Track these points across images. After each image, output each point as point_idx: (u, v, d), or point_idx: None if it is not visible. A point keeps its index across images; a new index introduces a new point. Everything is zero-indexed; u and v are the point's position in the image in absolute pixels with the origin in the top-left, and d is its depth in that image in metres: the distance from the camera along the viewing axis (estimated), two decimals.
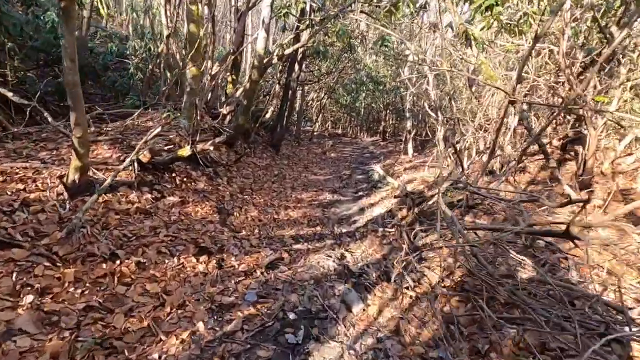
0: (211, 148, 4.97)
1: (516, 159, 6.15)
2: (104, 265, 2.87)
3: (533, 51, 5.27)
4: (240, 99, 7.06)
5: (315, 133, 17.96)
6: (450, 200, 5.40)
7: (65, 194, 3.30)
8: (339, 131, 26.17)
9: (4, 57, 7.53)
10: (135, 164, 4.06)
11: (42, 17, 9.27)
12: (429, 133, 13.03)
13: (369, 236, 5.49)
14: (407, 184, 8.36)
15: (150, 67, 8.20)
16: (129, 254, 3.12)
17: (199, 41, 5.28)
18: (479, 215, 5.23)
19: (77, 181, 3.41)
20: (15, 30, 7.40)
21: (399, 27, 10.74)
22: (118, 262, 2.96)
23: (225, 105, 7.32)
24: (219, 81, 7.99)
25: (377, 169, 9.01)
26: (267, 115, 10.52)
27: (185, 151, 4.48)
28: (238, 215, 4.89)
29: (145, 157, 4.14)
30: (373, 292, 3.55)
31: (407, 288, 3.52)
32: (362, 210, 7.09)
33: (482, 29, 4.92)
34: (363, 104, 22.93)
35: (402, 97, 16.58)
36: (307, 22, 7.19)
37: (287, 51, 6.83)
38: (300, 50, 9.09)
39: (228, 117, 7.42)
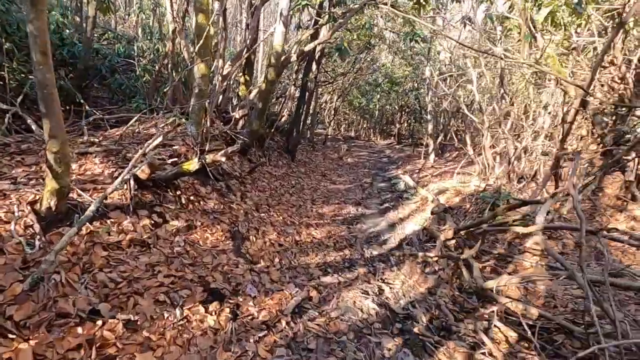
0: (223, 159, 4.18)
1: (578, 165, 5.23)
2: (80, 330, 2.08)
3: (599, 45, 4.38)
4: (254, 102, 6.28)
5: (328, 136, 17.14)
6: (504, 220, 4.52)
7: (37, 225, 2.53)
8: (352, 134, 25.32)
9: (1, 59, 6.83)
10: (131, 182, 3.29)
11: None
12: (453, 137, 12.12)
13: (407, 262, 4.64)
14: (439, 195, 7.49)
15: (157, 67, 7.49)
16: (116, 309, 2.33)
17: (208, 34, 4.51)
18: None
19: (53, 208, 2.64)
20: (13, 30, 6.76)
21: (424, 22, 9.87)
22: (100, 322, 2.17)
23: (237, 109, 6.55)
24: (231, 82, 7.23)
25: (406, 179, 8.13)
26: (283, 119, 9.74)
27: (192, 164, 3.71)
28: (255, 239, 4.09)
29: (143, 172, 3.37)
30: (436, 356, 2.69)
31: (483, 353, 2.66)
32: (392, 227, 6.23)
33: (547, 16, 4.04)
34: (377, 106, 22.05)
35: (420, 99, 15.66)
36: (327, 17, 6.39)
37: (307, 48, 6.02)
38: (319, 47, 8.29)
39: (241, 122, 6.65)
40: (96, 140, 4.03)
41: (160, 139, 3.37)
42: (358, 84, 18.47)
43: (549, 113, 6.29)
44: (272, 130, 7.75)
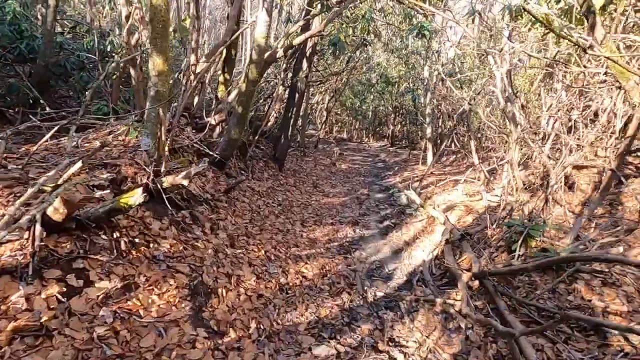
0: (185, 182, 3.13)
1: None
2: None
3: None
4: (233, 105, 5.20)
5: (320, 139, 16.10)
6: (543, 247, 3.55)
7: None
8: (344, 135, 24.32)
9: None
10: (36, 228, 2.21)
11: (2, 8, 7.50)
12: (455, 141, 11.25)
13: (422, 310, 3.64)
14: (447, 211, 6.53)
15: (121, 64, 6.34)
16: None
17: (166, 18, 3.42)
18: (592, 287, 3.35)
19: None
20: None
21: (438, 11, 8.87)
22: None
23: (214, 114, 5.45)
24: (208, 82, 6.12)
25: (412, 195, 7.14)
26: (269, 123, 8.66)
27: (135, 196, 2.64)
28: (225, 292, 3.02)
29: (57, 212, 2.29)
30: None
31: None
32: (397, 254, 5.23)
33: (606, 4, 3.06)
34: (370, 107, 21.08)
35: (417, 100, 14.73)
36: (320, 6, 5.34)
37: (297, 40, 4.97)
38: (311, 42, 7.23)
39: (218, 129, 5.56)
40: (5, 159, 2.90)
41: (79, 165, 2.28)
42: (351, 83, 17.47)
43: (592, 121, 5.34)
44: (257, 136, 6.67)
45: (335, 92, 14.75)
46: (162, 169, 3.29)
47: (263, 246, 4.13)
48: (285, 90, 8.13)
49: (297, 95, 7.51)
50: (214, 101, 6.38)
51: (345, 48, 6.11)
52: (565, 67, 5.26)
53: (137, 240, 2.86)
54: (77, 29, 10.67)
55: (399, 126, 22.16)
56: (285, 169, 8.13)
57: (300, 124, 14.16)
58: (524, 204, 4.52)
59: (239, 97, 5.10)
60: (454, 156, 15.08)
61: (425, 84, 12.21)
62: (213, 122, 5.43)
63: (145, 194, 2.66)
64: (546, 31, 5.21)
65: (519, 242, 3.97)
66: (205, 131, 5.27)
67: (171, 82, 5.11)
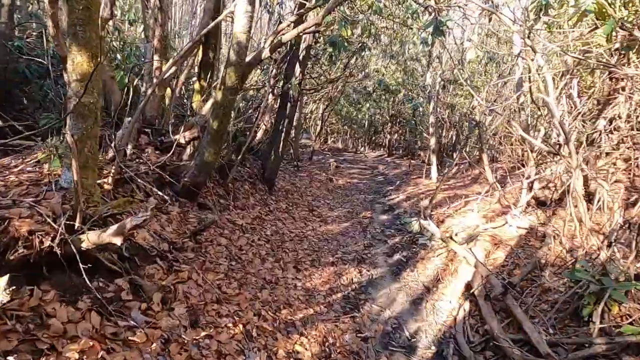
0: (117, 240, 1.99)
1: None
2: None
3: None
4: (208, 119, 4.03)
5: (314, 150, 14.98)
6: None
7: None
8: (339, 145, 23.24)
9: None
10: None
11: None
12: (465, 155, 10.21)
13: None
14: (469, 242, 5.40)
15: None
16: None
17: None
18: None
19: None
20: None
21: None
22: None
23: (183, 130, 4.27)
24: (180, 90, 4.95)
25: (429, 227, 5.98)
26: (258, 136, 7.49)
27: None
28: None
29: None
30: None
31: None
32: (416, 305, 4.06)
33: None
34: (367, 115, 20.07)
35: (418, 109, 13.72)
36: None
37: (287, 37, 3.85)
38: (305, 43, 6.12)
39: (189, 149, 4.37)
40: None
41: None
42: (347, 92, 16.44)
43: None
44: (241, 155, 5.49)
45: (331, 100, 13.68)
46: (77, 223, 2.10)
47: (242, 316, 2.92)
48: (275, 99, 6.99)
49: (289, 104, 6.37)
50: (188, 114, 5.21)
51: (345, 48, 5.01)
52: (618, 68, 4.20)
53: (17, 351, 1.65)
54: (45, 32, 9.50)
55: (396, 135, 21.15)
56: (276, 190, 6.95)
57: (293, 136, 13.04)
58: (596, 250, 3.38)
59: (214, 109, 3.93)
60: (456, 167, 14.07)
61: (427, 91, 11.19)
62: (182, 141, 4.25)
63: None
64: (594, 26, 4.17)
65: (595, 306, 2.83)
66: (172, 152, 4.09)
67: (122, 89, 3.93)
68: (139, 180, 3.50)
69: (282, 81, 6.55)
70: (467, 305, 3.86)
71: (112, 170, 3.16)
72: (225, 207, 4.70)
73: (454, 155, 14.82)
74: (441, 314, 3.86)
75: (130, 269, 2.55)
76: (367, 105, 18.98)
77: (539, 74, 3.92)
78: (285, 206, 6.35)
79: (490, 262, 4.62)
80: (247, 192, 5.63)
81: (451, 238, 5.64)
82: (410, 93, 13.27)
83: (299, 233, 5.42)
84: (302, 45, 6.19)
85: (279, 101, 6.83)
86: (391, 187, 10.84)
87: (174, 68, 4.35)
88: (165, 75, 3.86)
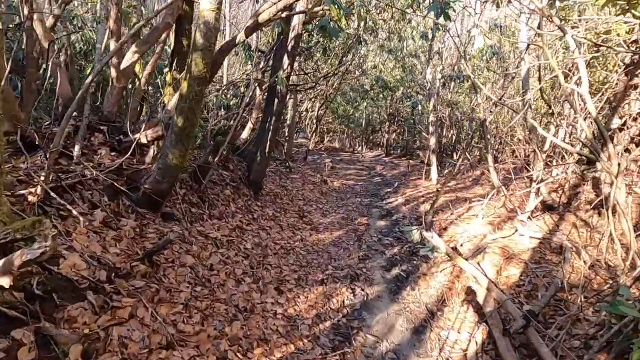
0: (4, 284, 1.35)
1: None
2: None
3: None
4: (173, 115, 3.38)
5: (309, 150, 14.33)
6: None
7: None
8: (336, 144, 22.60)
9: None
10: None
11: None
12: (467, 155, 9.59)
13: None
14: (476, 254, 4.77)
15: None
16: None
17: None
18: None
19: None
20: None
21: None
22: None
23: (144, 128, 3.61)
24: (146, 82, 4.29)
25: (433, 239, 5.34)
26: (244, 135, 6.83)
27: None
28: None
29: None
30: None
31: None
32: (418, 335, 3.43)
33: None
34: (364, 114, 19.43)
35: (417, 107, 13.07)
36: None
37: (264, 16, 3.20)
38: (294, 32, 5.47)
39: (153, 150, 3.72)
40: None
41: None
42: (343, 89, 15.80)
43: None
44: (219, 156, 4.83)
45: (326, 98, 13.02)
46: None
47: None
48: (262, 94, 6.34)
49: (276, 100, 5.72)
50: (160, 110, 4.55)
51: (337, 35, 4.35)
52: None
53: None
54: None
55: (394, 135, 20.51)
56: (263, 194, 6.30)
57: (287, 134, 12.38)
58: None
59: (179, 104, 3.28)
60: (455, 168, 13.44)
61: (427, 88, 10.55)
62: (144, 140, 3.59)
63: None
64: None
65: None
66: (132, 153, 3.43)
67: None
68: (82, 188, 2.84)
69: (268, 73, 5.90)
70: (479, 337, 3.23)
71: (42, 177, 2.51)
72: (198, 217, 4.05)
73: (454, 156, 14.23)
74: (448, 348, 3.22)
75: (41, 312, 1.89)
76: (365, 103, 18.35)
77: (562, 61, 3.28)
78: (272, 212, 5.70)
79: (503, 280, 3.99)
80: (227, 198, 4.98)
81: (456, 250, 5.01)
82: (409, 90, 12.62)
83: (286, 244, 4.77)
84: (291, 35, 5.54)
85: (265, 97, 6.18)
86: (389, 190, 10.21)
87: (135, 56, 3.69)
88: (108, 59, 3.20)
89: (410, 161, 14.95)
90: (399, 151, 20.37)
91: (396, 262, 5.05)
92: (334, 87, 12.50)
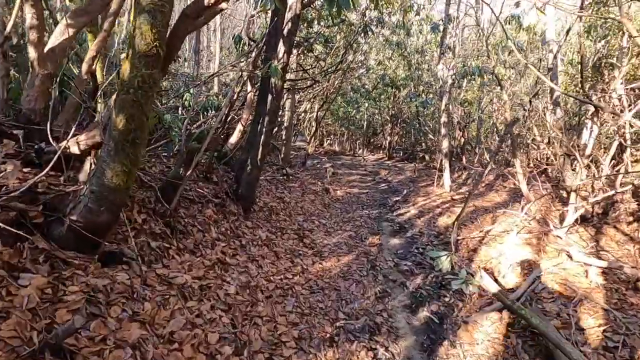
0: None
1: None
2: None
3: None
4: (111, 112, 2.25)
5: (309, 154, 13.22)
6: None
7: None
8: (336, 147, 21.49)
9: None
10: None
11: None
12: (481, 161, 8.53)
13: None
14: (528, 292, 3.65)
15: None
16: None
17: None
18: None
19: None
20: None
21: None
22: None
23: (73, 133, 2.49)
24: (87, 70, 3.16)
25: (484, 282, 4.17)
26: (232, 140, 5.71)
27: None
28: None
29: None
30: None
31: None
32: None
33: None
34: (365, 116, 18.35)
35: (426, 106, 11.99)
36: None
37: None
38: (291, 12, 4.37)
39: (89, 163, 2.60)
40: None
41: None
42: (344, 89, 14.72)
43: None
44: (194, 167, 3.71)
45: (326, 98, 11.92)
46: None
47: None
48: (254, 91, 5.24)
49: (270, 97, 4.61)
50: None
51: (348, 4, 3.25)
52: None
53: None
54: None
55: (396, 137, 19.42)
56: (255, 210, 5.17)
57: (284, 138, 11.28)
58: None
59: (118, 95, 2.16)
60: (466, 172, 12.39)
61: (439, 86, 9.47)
62: (76, 150, 2.47)
63: None
64: None
65: None
66: (54, 168, 2.31)
67: None
68: None
69: (262, 66, 4.79)
70: None
71: None
72: (160, 254, 2.92)
73: (463, 159, 13.16)
74: None
75: None
76: (366, 104, 17.29)
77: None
78: (266, 235, 4.57)
79: (582, 339, 2.88)
80: (206, 222, 3.85)
81: (498, 285, 3.89)
82: (416, 89, 11.53)
83: (282, 281, 3.64)
84: (288, 16, 4.43)
85: (257, 94, 5.08)
86: (398, 198, 9.11)
87: (69, 31, 2.58)
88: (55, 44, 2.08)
89: (417, 165, 13.87)
90: (401, 154, 19.31)
91: (422, 299, 3.94)
92: (335, 85, 11.40)
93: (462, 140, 13.53)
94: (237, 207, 4.76)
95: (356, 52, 10.60)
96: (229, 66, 4.54)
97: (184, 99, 9.60)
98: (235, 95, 4.75)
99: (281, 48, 4.54)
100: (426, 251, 5.24)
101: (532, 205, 6.54)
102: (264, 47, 5.00)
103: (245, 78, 5.04)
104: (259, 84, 5.03)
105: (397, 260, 5.11)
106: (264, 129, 4.68)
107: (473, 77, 9.31)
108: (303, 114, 14.85)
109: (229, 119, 5.67)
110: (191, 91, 9.75)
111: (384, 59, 11.08)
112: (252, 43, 5.63)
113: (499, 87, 9.86)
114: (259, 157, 4.75)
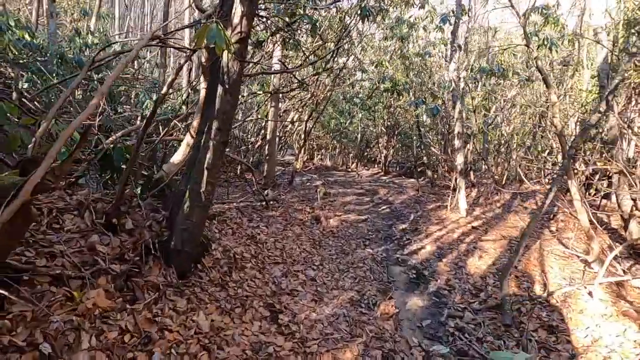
0: None
1: None
2: None
3: None
4: None
5: (296, 171, 11.33)
6: None
7: None
8: (328, 162, 19.64)
9: None
10: None
11: None
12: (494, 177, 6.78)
13: None
14: None
15: None
16: None
17: None
18: None
19: None
20: None
21: None
22: None
23: None
24: None
25: None
26: (177, 158, 3.80)
27: None
28: None
29: None
30: None
31: None
32: None
33: None
34: (359, 127, 16.63)
35: (437, 113, 10.27)
36: None
37: None
38: None
39: None
40: None
41: None
42: (335, 97, 13.00)
43: None
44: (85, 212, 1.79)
45: (316, 106, 10.11)
46: None
47: None
48: (199, 78, 3.38)
49: (220, 90, 2.73)
50: None
51: None
52: None
53: None
54: None
55: (392, 150, 17.67)
56: (205, 269, 3.21)
57: (267, 152, 9.39)
58: None
59: None
60: (476, 189, 10.64)
61: (451, 89, 7.75)
62: None
63: None
64: None
65: None
66: None
67: None
68: None
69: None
70: None
71: None
72: None
73: (471, 175, 11.44)
74: None
75: None
76: (360, 115, 15.59)
77: None
78: (210, 322, 2.61)
79: None
80: (77, 323, 1.90)
81: None
82: (419, 95, 9.78)
83: None
84: None
85: (206, 84, 3.21)
86: (405, 225, 7.24)
87: None
88: None
89: (420, 182, 12.07)
90: (398, 169, 17.56)
91: None
92: (325, 92, 9.62)
93: (469, 153, 11.84)
94: (166, 272, 2.80)
95: (350, 51, 8.88)
96: (152, 39, 2.63)
97: (143, 106, 7.60)
98: (165, 87, 2.86)
99: (237, 9, 2.68)
100: (452, 310, 3.31)
101: (594, 243, 4.73)
102: (219, 12, 3.15)
103: (186, 62, 3.16)
104: (205, 66, 3.15)
105: (426, 343, 3.19)
106: (211, 143, 2.78)
107: (490, 77, 7.63)
108: (291, 125, 13.02)
109: (171, 126, 3.75)
110: (154, 97, 7.79)
111: (382, 57, 9.35)
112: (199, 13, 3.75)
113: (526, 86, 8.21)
114: (203, 187, 2.83)
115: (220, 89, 2.78)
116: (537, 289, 4.08)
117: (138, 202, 3.04)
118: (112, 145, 2.97)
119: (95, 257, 2.36)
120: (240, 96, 9.04)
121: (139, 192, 3.18)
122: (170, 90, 5.32)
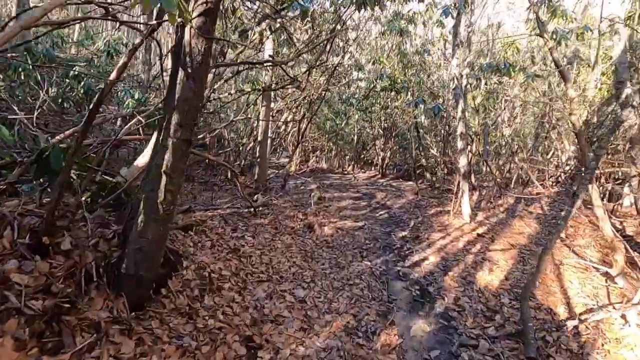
0: None
1: None
2: None
3: None
4: None
5: (289, 174, 10.75)
6: None
7: None
8: (323, 165, 19.06)
9: None
10: None
11: None
12: (496, 179, 6.21)
13: None
14: None
15: None
16: None
17: None
18: None
19: None
20: None
21: None
22: None
23: None
24: None
25: None
26: (141, 162, 3.20)
27: None
28: None
29: None
30: None
31: None
32: None
33: None
34: (356, 129, 16.10)
35: (439, 112, 9.75)
36: None
37: None
38: None
39: None
40: None
41: None
42: (330, 98, 12.47)
43: None
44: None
45: (309, 106, 9.55)
46: None
47: None
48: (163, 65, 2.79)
49: (181, 74, 2.16)
50: None
51: None
52: None
53: None
54: None
55: (389, 152, 17.14)
56: (170, 294, 2.62)
57: (258, 155, 8.80)
58: None
59: None
60: (476, 192, 10.11)
61: (453, 87, 7.23)
62: None
63: None
64: None
65: None
66: None
67: None
68: None
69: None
70: None
71: None
72: None
73: (472, 178, 10.92)
74: None
75: None
76: (356, 116, 15.06)
77: None
78: None
79: None
80: None
81: None
82: (418, 95, 9.26)
83: None
84: None
85: (170, 72, 2.63)
86: (405, 233, 6.67)
87: None
88: None
89: (418, 185, 11.52)
90: (395, 171, 17.02)
91: None
92: (319, 91, 9.07)
93: (471, 155, 11.33)
94: (113, 304, 2.20)
95: (345, 49, 8.34)
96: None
97: (125, 105, 7.07)
98: (118, 75, 2.28)
99: None
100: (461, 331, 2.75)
101: (618, 255, 4.19)
102: None
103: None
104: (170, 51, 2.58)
105: None
106: (170, 141, 2.20)
107: (495, 74, 7.12)
108: (283, 124, 12.45)
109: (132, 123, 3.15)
110: (136, 96, 7.20)
111: (379, 55, 8.80)
112: None
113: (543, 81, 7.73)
114: (162, 197, 2.24)
115: (181, 73, 2.21)
116: (561, 311, 3.53)
117: (83, 215, 2.45)
118: (50, 145, 2.38)
119: (5, 292, 1.76)
120: (228, 94, 8.46)
121: (88, 201, 2.58)
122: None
